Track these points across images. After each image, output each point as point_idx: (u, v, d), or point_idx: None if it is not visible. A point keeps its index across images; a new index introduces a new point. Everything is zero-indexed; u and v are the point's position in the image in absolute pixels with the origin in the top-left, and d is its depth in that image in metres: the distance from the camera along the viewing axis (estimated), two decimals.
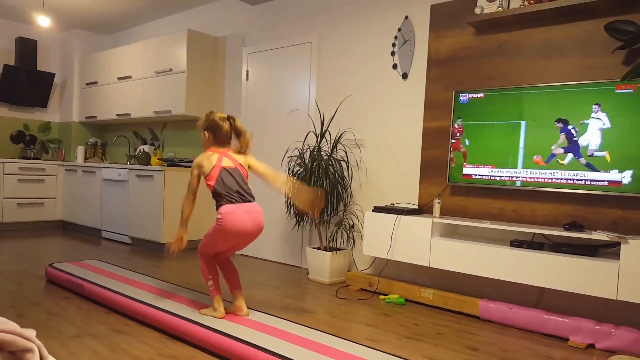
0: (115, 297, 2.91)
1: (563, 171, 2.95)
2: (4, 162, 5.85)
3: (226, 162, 2.67)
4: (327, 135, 4.31)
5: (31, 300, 3.09)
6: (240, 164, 2.71)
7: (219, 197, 2.62)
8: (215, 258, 2.82)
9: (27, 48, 6.44)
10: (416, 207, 3.72)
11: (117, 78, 6.03)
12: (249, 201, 2.66)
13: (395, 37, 3.90)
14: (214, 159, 2.66)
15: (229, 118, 2.75)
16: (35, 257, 4.44)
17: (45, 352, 0.90)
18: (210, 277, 2.71)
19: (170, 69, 5.28)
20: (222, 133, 2.73)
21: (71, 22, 6.43)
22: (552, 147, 2.98)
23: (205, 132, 2.77)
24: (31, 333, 0.89)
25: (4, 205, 5.86)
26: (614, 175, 2.78)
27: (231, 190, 2.61)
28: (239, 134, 2.76)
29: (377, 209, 3.59)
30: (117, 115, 6.04)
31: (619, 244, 2.76)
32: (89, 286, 3.13)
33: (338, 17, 4.29)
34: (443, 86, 3.61)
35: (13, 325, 0.87)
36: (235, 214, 2.57)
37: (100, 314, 2.87)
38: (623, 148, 2.75)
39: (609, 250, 2.86)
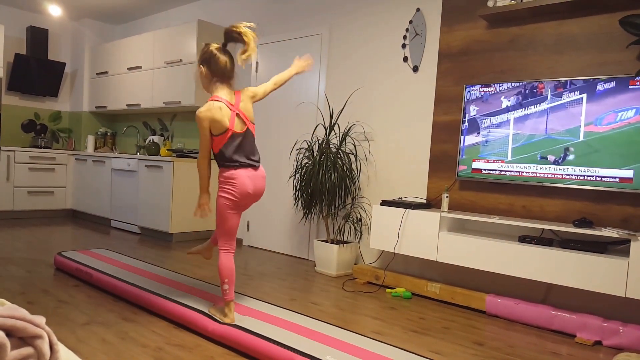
0: (124, 286, 2.94)
1: (574, 167, 2.92)
2: (14, 151, 5.90)
3: (238, 125, 2.45)
4: (336, 128, 4.30)
5: (41, 287, 3.12)
6: (248, 118, 2.51)
7: (223, 160, 2.46)
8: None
9: (38, 37, 6.47)
10: (424, 201, 3.70)
11: (127, 68, 6.04)
12: (255, 166, 2.53)
13: (407, 30, 3.87)
14: (227, 116, 2.41)
15: (229, 38, 2.47)
16: (45, 245, 4.49)
17: (54, 338, 0.91)
18: (227, 281, 2.48)
19: (180, 60, 5.28)
20: (220, 66, 2.46)
21: (82, 11, 6.44)
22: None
23: (200, 66, 2.49)
24: (41, 320, 0.90)
25: (14, 193, 5.92)
26: (625, 171, 2.75)
27: (239, 155, 2.46)
28: (243, 41, 2.44)
29: (385, 203, 3.58)
30: (127, 105, 6.06)
31: (628, 241, 2.73)
32: (98, 275, 3.16)
33: (349, 8, 4.26)
34: (454, 80, 3.58)
35: (23, 312, 0.88)
36: (236, 179, 2.45)
37: (109, 303, 2.90)
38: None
39: (618, 248, 2.83)
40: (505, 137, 3.20)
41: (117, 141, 6.95)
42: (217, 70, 2.47)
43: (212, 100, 2.44)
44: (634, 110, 2.74)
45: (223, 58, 2.47)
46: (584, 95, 2.90)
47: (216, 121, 2.39)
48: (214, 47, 2.49)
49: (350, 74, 4.25)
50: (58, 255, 3.61)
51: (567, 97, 2.97)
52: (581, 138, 2.90)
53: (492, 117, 3.26)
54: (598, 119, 2.85)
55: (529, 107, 3.11)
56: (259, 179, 2.53)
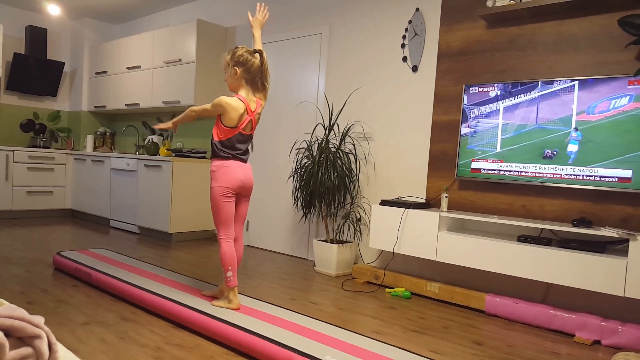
0: (123, 286, 2.94)
1: (573, 167, 2.92)
2: (13, 151, 5.89)
3: (247, 127, 2.70)
4: (335, 127, 4.30)
5: (40, 287, 3.12)
6: (255, 126, 2.75)
7: (218, 149, 2.68)
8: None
9: (37, 36, 6.46)
10: (424, 201, 3.70)
11: (127, 68, 6.04)
12: (244, 161, 2.77)
13: (406, 30, 3.87)
14: (242, 117, 2.65)
15: (256, 51, 2.69)
16: (44, 244, 4.49)
17: (53, 338, 0.91)
18: (231, 268, 2.66)
19: (180, 59, 5.28)
20: (254, 68, 2.66)
21: (81, 11, 6.44)
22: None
23: (236, 68, 2.66)
24: (40, 320, 0.90)
25: (13, 193, 5.92)
26: (624, 171, 2.75)
27: (235, 151, 2.70)
28: (263, 67, 2.71)
29: (384, 203, 3.59)
30: (126, 105, 6.06)
31: (627, 240, 2.74)
32: (97, 275, 3.15)
33: (348, 8, 4.26)
34: (453, 80, 3.58)
35: (22, 312, 0.88)
36: (229, 167, 2.67)
37: (108, 302, 2.90)
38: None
39: (617, 247, 2.84)
40: (495, 128, 3.19)
41: (116, 141, 6.95)
42: (250, 72, 2.68)
43: (239, 98, 2.65)
44: (627, 97, 2.73)
45: (257, 63, 2.68)
46: (576, 83, 2.90)
47: (229, 117, 2.62)
48: (246, 51, 2.67)
49: (350, 73, 4.25)
50: (57, 255, 3.60)
51: (558, 85, 2.96)
52: (573, 127, 2.90)
53: (480, 107, 3.25)
54: (590, 107, 2.84)
55: (519, 95, 3.10)
56: (247, 170, 2.77)
